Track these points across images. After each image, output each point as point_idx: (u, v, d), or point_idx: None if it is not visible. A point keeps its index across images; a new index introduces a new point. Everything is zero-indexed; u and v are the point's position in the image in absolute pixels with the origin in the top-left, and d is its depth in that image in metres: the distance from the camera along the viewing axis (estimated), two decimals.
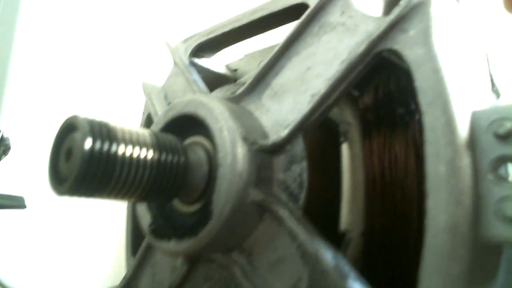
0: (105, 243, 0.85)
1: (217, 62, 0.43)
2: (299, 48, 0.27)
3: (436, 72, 0.21)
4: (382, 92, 0.29)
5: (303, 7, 0.29)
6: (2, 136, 0.62)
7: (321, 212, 0.25)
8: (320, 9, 0.27)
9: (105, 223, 0.85)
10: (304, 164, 0.24)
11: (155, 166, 0.22)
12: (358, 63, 0.23)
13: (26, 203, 0.63)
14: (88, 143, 0.19)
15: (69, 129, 0.20)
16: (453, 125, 0.20)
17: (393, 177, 0.26)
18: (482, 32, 0.35)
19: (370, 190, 0.25)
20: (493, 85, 0.35)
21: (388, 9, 0.27)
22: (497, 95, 0.38)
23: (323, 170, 0.25)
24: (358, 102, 0.29)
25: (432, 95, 0.21)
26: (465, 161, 0.19)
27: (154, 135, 0.22)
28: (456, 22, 0.25)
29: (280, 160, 0.24)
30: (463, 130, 0.20)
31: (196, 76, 0.35)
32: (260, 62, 0.46)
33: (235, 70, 0.46)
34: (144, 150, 0.21)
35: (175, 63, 0.38)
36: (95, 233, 0.85)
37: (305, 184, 0.24)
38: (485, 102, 0.24)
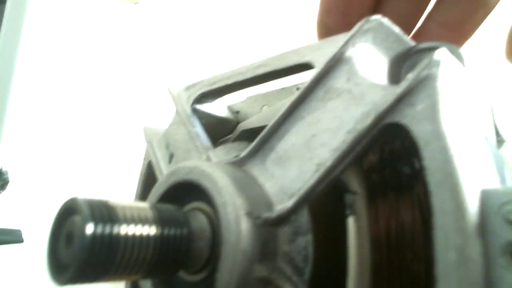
0: None
1: (219, 105, 0.43)
2: (304, 112, 0.27)
3: (444, 151, 0.21)
4: (387, 151, 0.28)
5: (307, 67, 0.29)
6: (0, 169, 0.62)
7: (327, 287, 0.24)
8: (325, 73, 0.26)
9: None
10: (309, 237, 0.23)
11: (159, 242, 0.21)
12: (365, 136, 0.23)
13: (24, 236, 0.63)
14: (89, 228, 0.18)
15: (68, 212, 0.19)
16: (463, 209, 0.19)
17: (400, 242, 0.25)
18: (486, 85, 0.35)
19: (377, 261, 0.25)
20: (498, 135, 0.35)
21: (391, 77, 0.27)
22: (502, 142, 0.38)
23: (329, 244, 0.25)
24: (362, 161, 0.28)
25: (440, 176, 0.20)
26: (476, 248, 0.19)
27: (155, 208, 0.22)
28: (463, 91, 0.25)
29: (284, 232, 0.24)
30: (473, 214, 0.20)
31: (198, 128, 0.35)
32: (263, 106, 0.46)
33: (237, 112, 0.45)
34: (146, 227, 0.21)
35: (177, 112, 0.38)
36: None
37: (311, 258, 0.23)
38: (494, 174, 0.24)
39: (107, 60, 0.97)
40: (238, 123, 0.44)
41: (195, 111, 0.38)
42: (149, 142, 0.40)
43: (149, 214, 0.21)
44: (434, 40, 0.28)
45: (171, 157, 0.37)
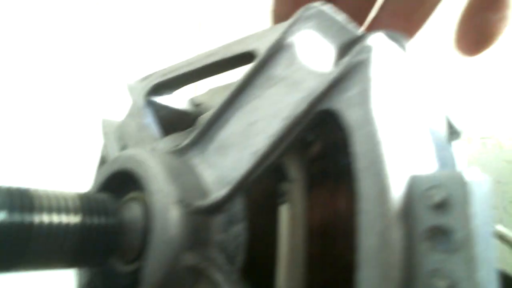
0: None
1: (179, 98, 0.42)
2: (245, 100, 0.26)
3: (371, 136, 0.20)
4: (330, 142, 0.28)
5: (252, 55, 0.29)
6: None
7: (261, 274, 0.24)
8: (266, 60, 0.26)
9: None
10: (242, 225, 0.23)
11: (80, 232, 0.21)
12: (299, 122, 0.23)
13: None
14: None
15: None
16: (386, 194, 0.19)
17: (336, 231, 0.25)
18: (434, 75, 0.34)
19: (311, 249, 0.24)
20: (451, 127, 0.35)
21: (337, 61, 0.26)
22: (457, 135, 0.37)
23: (263, 233, 0.24)
24: (306, 152, 0.28)
25: (366, 161, 0.20)
26: (397, 233, 0.19)
27: (80, 198, 0.21)
28: (400, 78, 0.24)
29: (218, 220, 0.23)
30: (397, 199, 0.19)
31: (149, 119, 0.35)
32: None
33: (199, 105, 0.45)
34: (65, 216, 0.20)
35: (132, 103, 0.38)
36: None
37: (243, 247, 0.23)
38: (431, 161, 0.23)
39: (70, 51, 0.96)
40: (200, 115, 0.44)
41: (151, 103, 0.38)
42: (106, 135, 0.40)
43: (71, 203, 0.21)
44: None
45: (123, 148, 0.37)
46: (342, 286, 0.24)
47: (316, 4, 0.26)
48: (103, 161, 0.39)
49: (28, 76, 0.85)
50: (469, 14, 0.34)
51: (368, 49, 0.22)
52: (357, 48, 0.22)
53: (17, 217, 0.18)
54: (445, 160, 0.30)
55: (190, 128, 0.42)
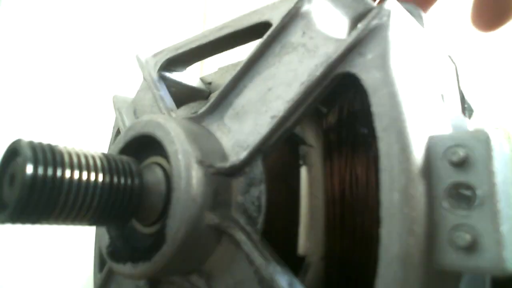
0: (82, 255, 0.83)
1: (191, 75, 0.42)
2: (261, 68, 0.26)
3: (392, 97, 0.21)
4: (346, 111, 0.28)
5: (267, 25, 0.29)
6: None
7: (280, 236, 0.24)
8: (282, 29, 0.26)
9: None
10: (262, 187, 0.23)
11: (106, 190, 0.21)
12: (316, 86, 0.23)
13: None
14: (29, 169, 0.18)
15: (12, 154, 0.19)
16: (408, 152, 0.20)
17: (354, 199, 0.25)
18: (451, 52, 0.35)
19: (330, 214, 0.25)
20: (464, 102, 0.35)
21: (352, 30, 0.27)
22: (470, 111, 0.38)
23: (282, 194, 0.25)
24: (322, 121, 0.29)
25: (388, 120, 0.20)
26: (419, 189, 0.19)
27: (105, 157, 0.22)
28: (417, 45, 0.25)
29: (238, 183, 0.24)
30: (418, 156, 0.20)
31: (164, 92, 0.35)
32: None
33: (210, 83, 0.45)
34: (93, 174, 0.21)
35: (144, 78, 0.38)
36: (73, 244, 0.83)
37: (263, 208, 0.23)
38: (446, 126, 0.24)
39: (79, 28, 0.96)
40: (210, 93, 0.44)
41: (164, 79, 0.38)
42: (118, 110, 0.40)
43: (98, 162, 0.21)
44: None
45: None
46: (359, 254, 0.25)
47: None
48: (117, 135, 0.39)
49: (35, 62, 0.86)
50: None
51: (386, 13, 0.23)
52: (374, 11, 0.23)
53: (49, 171, 0.19)
54: (459, 127, 0.30)
55: (206, 99, 0.42)
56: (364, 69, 0.22)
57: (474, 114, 0.39)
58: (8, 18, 0.81)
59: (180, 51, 0.36)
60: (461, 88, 0.35)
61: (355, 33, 0.23)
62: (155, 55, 0.39)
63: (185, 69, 0.41)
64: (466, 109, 0.36)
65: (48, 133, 0.82)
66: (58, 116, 0.84)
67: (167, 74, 0.39)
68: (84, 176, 0.20)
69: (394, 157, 0.20)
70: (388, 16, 0.23)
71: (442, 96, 0.27)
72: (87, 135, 0.85)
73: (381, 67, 0.21)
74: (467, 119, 0.34)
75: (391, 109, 0.20)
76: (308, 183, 0.24)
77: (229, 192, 0.23)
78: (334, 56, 0.23)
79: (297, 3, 0.26)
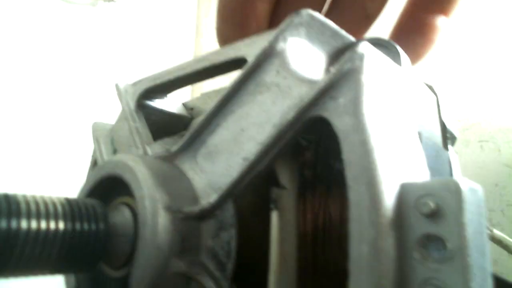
0: None
1: (173, 102, 0.42)
2: (235, 106, 0.26)
3: (363, 144, 0.20)
4: (323, 147, 0.28)
5: (243, 61, 0.29)
6: None
7: (251, 282, 0.24)
8: (256, 67, 0.26)
9: None
10: (233, 232, 0.23)
11: (67, 238, 0.20)
12: (289, 130, 0.23)
13: None
14: None
15: None
16: (378, 203, 0.19)
17: (327, 238, 0.25)
18: (432, 82, 0.34)
19: (302, 256, 0.24)
20: (445, 132, 0.35)
21: (328, 68, 0.26)
22: (452, 139, 0.37)
23: (253, 239, 0.24)
24: (298, 157, 0.28)
25: (358, 169, 0.20)
26: (389, 241, 0.19)
27: (68, 202, 0.21)
28: (392, 85, 0.24)
29: (208, 226, 0.23)
30: (388, 207, 0.19)
31: (140, 124, 0.34)
32: None
33: (192, 109, 0.45)
34: (52, 221, 0.20)
35: (122, 108, 0.37)
36: None
37: (233, 253, 0.23)
38: (421, 168, 0.23)
39: (72, 61, 0.96)
40: (192, 119, 0.44)
41: (143, 107, 0.38)
42: (96, 139, 0.40)
43: (60, 208, 0.21)
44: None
45: (114, 153, 0.36)
46: None
47: (307, 10, 0.26)
48: (95, 165, 0.39)
49: (22, 81, 0.85)
50: (395, 34, 0.35)
51: (359, 57, 0.22)
52: (347, 55, 0.22)
53: (3, 223, 0.18)
54: (439, 166, 0.30)
55: (181, 132, 0.42)
56: (335, 114, 0.22)
57: (456, 140, 0.39)
58: None
59: (158, 81, 0.36)
60: (443, 118, 0.35)
61: (327, 77, 0.22)
62: (134, 84, 0.38)
63: (166, 96, 0.41)
64: (449, 138, 0.36)
65: (29, 160, 0.81)
66: (40, 140, 0.84)
67: (148, 102, 0.38)
68: (43, 224, 0.19)
69: (363, 208, 0.19)
70: (361, 59, 0.22)
71: (420, 134, 0.26)
72: (68, 162, 0.84)
73: (352, 112, 0.21)
74: (448, 150, 0.34)
75: (361, 158, 0.20)
76: (279, 228, 0.24)
77: (198, 237, 0.23)
78: (307, 99, 0.22)
79: (272, 41, 0.26)
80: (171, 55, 1.18)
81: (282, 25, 0.26)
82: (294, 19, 0.26)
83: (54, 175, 0.84)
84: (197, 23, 1.36)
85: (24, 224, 0.19)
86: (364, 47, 0.23)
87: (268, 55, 0.26)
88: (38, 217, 0.19)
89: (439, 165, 0.30)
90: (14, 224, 0.18)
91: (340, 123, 0.21)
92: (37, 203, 0.20)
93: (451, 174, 0.32)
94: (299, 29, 0.26)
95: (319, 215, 0.25)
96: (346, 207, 0.25)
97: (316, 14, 0.27)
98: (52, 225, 0.20)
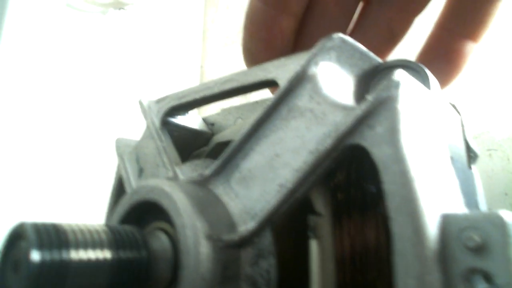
0: None
1: (193, 118, 0.42)
2: (268, 130, 0.26)
3: (403, 175, 0.20)
4: (354, 169, 0.28)
5: (272, 83, 0.29)
6: None
7: None
8: (289, 91, 0.26)
9: None
10: (271, 260, 0.23)
11: (114, 266, 0.21)
12: (326, 157, 0.23)
13: None
14: (35, 256, 0.18)
15: (15, 237, 0.19)
16: (422, 235, 0.19)
17: (364, 263, 0.25)
18: (455, 100, 0.35)
19: (341, 281, 0.24)
20: (470, 150, 0.35)
21: (358, 95, 0.27)
22: (474, 158, 0.38)
23: (292, 266, 0.24)
24: (329, 180, 0.28)
25: (399, 200, 0.20)
26: (435, 275, 0.19)
27: (110, 231, 0.21)
28: (425, 112, 0.24)
29: (247, 254, 0.23)
30: (432, 239, 0.19)
31: (167, 143, 0.35)
32: (237, 118, 0.46)
33: (212, 124, 0.45)
34: (99, 251, 0.20)
35: (147, 125, 0.38)
36: None
37: (273, 281, 0.23)
38: (456, 195, 0.24)
39: (83, 70, 0.96)
40: (213, 135, 0.44)
41: (167, 124, 0.38)
42: (120, 156, 0.40)
43: (104, 237, 0.21)
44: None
45: (140, 171, 0.37)
46: None
47: (338, 35, 0.26)
48: (119, 183, 0.39)
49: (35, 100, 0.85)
50: (421, 58, 0.35)
51: (395, 84, 0.22)
52: (384, 84, 0.23)
53: (55, 255, 0.18)
54: (467, 189, 0.30)
55: (202, 149, 0.42)
56: (374, 143, 0.22)
57: (478, 158, 0.39)
58: (9, 60, 0.81)
59: (184, 100, 0.36)
60: (467, 138, 0.35)
61: (365, 105, 0.22)
62: (158, 101, 0.39)
63: (187, 113, 0.41)
64: (471, 157, 0.36)
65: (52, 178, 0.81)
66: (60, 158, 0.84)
67: (170, 119, 0.39)
68: (91, 254, 0.20)
69: (407, 241, 0.19)
70: (397, 87, 0.22)
71: (451, 158, 0.27)
72: (91, 181, 0.84)
73: (391, 142, 0.21)
74: (473, 171, 0.34)
75: (402, 188, 0.20)
76: (318, 256, 0.24)
77: (237, 264, 0.23)
78: (344, 127, 0.23)
79: (304, 65, 0.26)
80: (178, 60, 1.18)
81: (314, 49, 0.26)
82: (326, 43, 0.26)
83: (69, 188, 0.84)
84: (204, 29, 1.37)
85: (73, 254, 0.19)
86: (400, 75, 0.23)
87: (301, 79, 0.26)
88: (86, 247, 0.20)
89: (467, 187, 0.30)
90: (65, 255, 0.18)
91: (379, 152, 0.21)
92: (83, 233, 0.20)
93: (477, 195, 0.32)
94: (330, 53, 0.27)
95: (356, 240, 0.25)
96: (382, 230, 0.25)
97: (347, 38, 0.27)
98: (100, 254, 0.20)
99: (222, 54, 1.35)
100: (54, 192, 0.82)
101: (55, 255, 0.18)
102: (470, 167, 0.34)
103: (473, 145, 0.37)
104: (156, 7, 1.19)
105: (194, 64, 1.28)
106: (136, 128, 0.43)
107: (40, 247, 0.18)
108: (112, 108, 0.97)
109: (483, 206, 0.31)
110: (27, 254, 0.18)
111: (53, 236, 0.19)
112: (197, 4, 1.34)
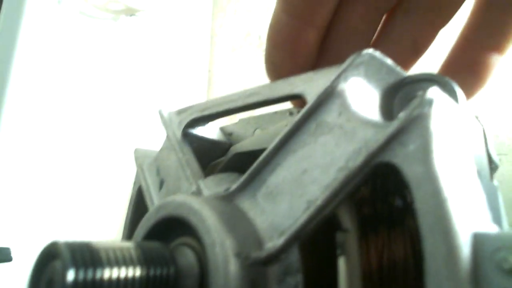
0: None
1: (211, 128, 0.42)
2: (295, 146, 0.26)
3: (436, 194, 0.20)
4: (380, 184, 0.28)
5: (299, 97, 0.29)
6: None
7: None
8: (317, 106, 0.26)
9: None
10: (299, 277, 0.23)
11: (144, 283, 0.21)
12: (357, 174, 0.23)
13: (13, 255, 0.61)
14: (70, 275, 0.18)
15: (49, 257, 0.19)
16: (455, 255, 0.19)
17: (392, 280, 0.25)
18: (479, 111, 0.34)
19: None
20: (491, 162, 0.35)
21: (383, 109, 0.26)
22: (495, 169, 0.37)
23: (319, 284, 0.24)
24: (354, 194, 0.28)
25: (432, 219, 0.20)
26: None
27: (139, 248, 0.21)
28: (456, 129, 0.24)
29: (274, 270, 0.23)
30: (465, 259, 0.19)
31: (189, 156, 0.35)
32: (256, 129, 0.46)
33: (230, 134, 0.45)
34: (131, 268, 0.20)
35: (168, 137, 0.38)
36: None
37: None
38: (485, 212, 0.23)
39: (95, 74, 0.97)
40: (231, 145, 0.44)
41: (186, 135, 0.38)
42: (140, 166, 0.40)
43: (134, 254, 0.21)
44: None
45: (161, 183, 0.37)
46: None
47: (368, 51, 0.26)
48: (139, 193, 0.39)
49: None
50: (445, 70, 0.34)
51: (428, 102, 0.22)
52: (416, 101, 0.22)
53: (89, 274, 0.18)
54: (492, 203, 0.30)
55: (222, 158, 0.42)
56: (406, 161, 0.22)
57: (498, 169, 0.39)
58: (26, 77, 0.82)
59: (206, 113, 0.36)
60: (489, 149, 0.34)
61: (397, 122, 0.22)
62: (179, 113, 0.39)
63: (207, 124, 0.41)
64: (493, 169, 0.36)
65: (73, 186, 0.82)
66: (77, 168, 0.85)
67: (190, 130, 0.39)
68: (123, 273, 0.20)
69: (440, 261, 0.19)
70: (430, 105, 0.22)
71: (479, 173, 0.26)
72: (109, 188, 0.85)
73: (423, 161, 0.21)
74: (494, 183, 0.34)
75: (435, 208, 0.20)
76: (346, 274, 0.24)
77: (265, 282, 0.23)
78: (375, 144, 0.22)
79: (334, 81, 0.26)
80: (187, 64, 1.19)
81: (344, 65, 0.26)
82: (356, 59, 0.26)
83: (94, 198, 0.85)
84: (212, 34, 1.38)
85: (106, 273, 0.19)
86: (433, 92, 0.23)
87: (330, 95, 0.26)
88: (118, 265, 0.20)
89: (492, 201, 0.30)
90: (98, 274, 0.18)
91: (411, 171, 0.21)
92: (114, 250, 0.20)
93: (500, 209, 0.32)
94: (359, 69, 0.26)
95: (383, 255, 0.25)
96: (410, 245, 0.25)
97: (376, 53, 0.27)
98: (130, 272, 0.20)
99: (230, 59, 1.35)
100: (63, 201, 0.82)
101: (89, 274, 0.18)
102: (492, 180, 0.34)
103: (494, 156, 0.37)
104: (165, 13, 1.20)
105: (202, 69, 1.29)
106: (148, 133, 0.44)
107: (75, 266, 0.18)
108: (122, 111, 0.97)
109: (504, 220, 0.31)
110: (63, 275, 0.18)
111: (86, 255, 0.19)
112: (205, 9, 1.35)
